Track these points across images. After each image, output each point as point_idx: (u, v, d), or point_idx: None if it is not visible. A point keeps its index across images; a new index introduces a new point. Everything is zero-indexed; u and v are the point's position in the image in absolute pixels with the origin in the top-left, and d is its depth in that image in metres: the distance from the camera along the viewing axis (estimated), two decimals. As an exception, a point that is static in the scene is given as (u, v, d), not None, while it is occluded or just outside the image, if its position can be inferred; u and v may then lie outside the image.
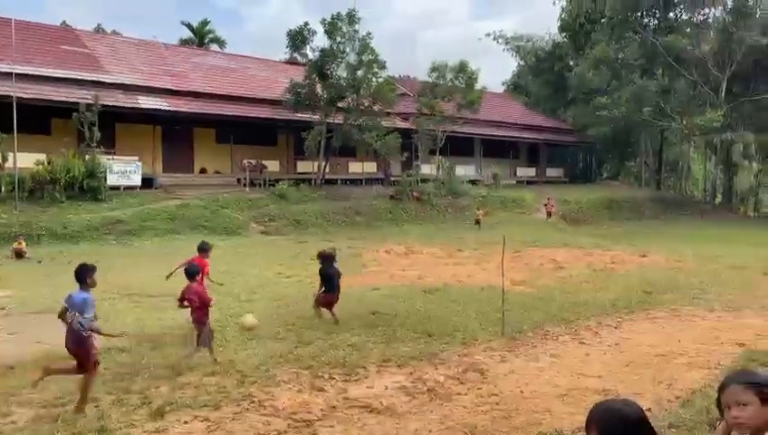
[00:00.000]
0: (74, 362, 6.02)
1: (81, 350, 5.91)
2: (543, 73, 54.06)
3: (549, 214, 27.35)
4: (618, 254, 19.57)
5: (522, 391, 6.67)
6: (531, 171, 46.75)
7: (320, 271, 10.05)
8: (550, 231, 27.98)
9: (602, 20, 46.42)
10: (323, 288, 9.89)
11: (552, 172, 48.49)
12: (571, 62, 50.38)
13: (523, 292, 12.73)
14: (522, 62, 58.72)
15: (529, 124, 46.02)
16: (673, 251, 20.25)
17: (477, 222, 28.16)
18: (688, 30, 42.70)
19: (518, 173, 45.32)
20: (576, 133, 46.65)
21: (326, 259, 10.08)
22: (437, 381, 6.97)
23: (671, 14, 45.31)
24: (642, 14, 44.99)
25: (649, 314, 10.85)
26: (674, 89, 43.28)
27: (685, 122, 41.23)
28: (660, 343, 8.71)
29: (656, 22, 45.68)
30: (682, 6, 44.38)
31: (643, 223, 34.56)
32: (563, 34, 52.04)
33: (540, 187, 41.72)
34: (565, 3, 50.52)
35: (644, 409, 2.31)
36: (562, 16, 50.65)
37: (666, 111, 41.64)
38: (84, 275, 5.99)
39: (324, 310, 9.87)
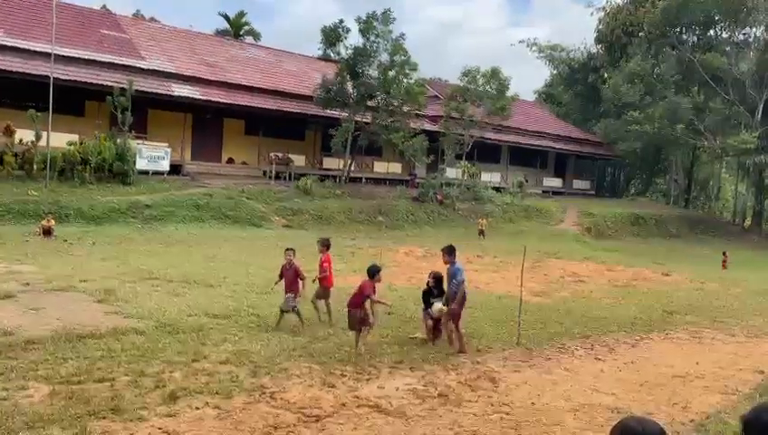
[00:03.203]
0: None
1: None
2: (576, 84, 53.58)
3: (724, 267, 23.78)
4: (640, 271, 19.33)
5: (533, 403, 6.61)
6: (557, 182, 46.36)
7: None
8: (572, 244, 27.72)
9: (640, 33, 45.81)
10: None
11: (578, 184, 48.05)
12: (606, 75, 49.84)
13: (540, 303, 12.63)
14: (555, 72, 58.28)
15: (558, 134, 45.63)
16: (697, 272, 19.92)
17: (481, 232, 27.25)
18: (727, 48, 42.00)
19: (544, 183, 44.96)
20: (606, 146, 46.13)
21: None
22: (449, 386, 6.95)
23: (711, 32, 44.58)
24: (681, 29, 44.32)
25: (669, 334, 10.69)
26: (709, 107, 42.57)
27: (718, 142, 40.53)
28: (678, 365, 8.57)
29: (694, 38, 45.00)
30: (722, 24, 43.63)
31: (669, 241, 34.07)
32: (599, 46, 51.49)
33: (565, 198, 41.37)
34: (603, 14, 50.03)
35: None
36: (599, 28, 50.11)
37: (699, 130, 40.96)
38: None
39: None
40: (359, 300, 8.09)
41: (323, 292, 9.59)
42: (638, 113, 39.90)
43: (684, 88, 43.25)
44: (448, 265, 8.75)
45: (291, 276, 9.13)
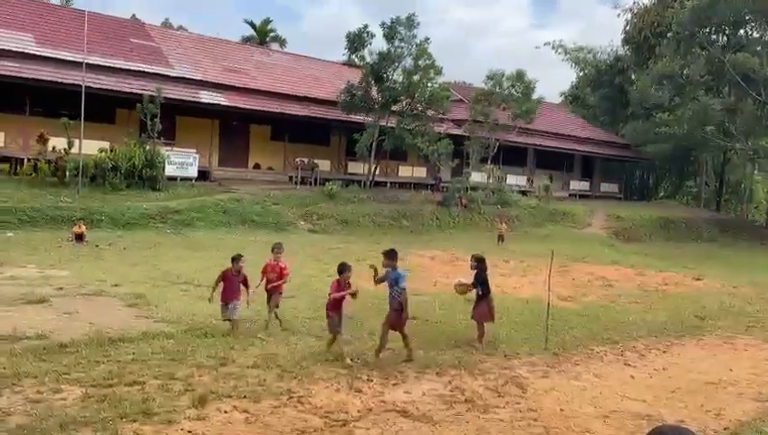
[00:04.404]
0: None
1: None
2: (603, 86, 52.93)
3: None
4: (671, 275, 18.99)
5: (562, 409, 6.54)
6: (584, 185, 45.85)
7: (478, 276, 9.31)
8: (600, 247, 27.36)
9: (668, 34, 45.10)
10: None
11: (606, 187, 47.45)
12: (633, 76, 49.17)
13: (568, 308, 12.49)
14: (581, 74, 57.69)
15: (585, 137, 45.15)
16: (730, 276, 19.50)
17: (500, 238, 25.09)
18: (759, 48, 41.08)
19: (571, 186, 44.50)
20: (634, 149, 45.50)
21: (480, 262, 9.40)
22: (476, 391, 6.91)
23: (741, 32, 43.67)
24: (710, 30, 43.48)
25: (701, 340, 10.49)
26: (740, 109, 41.65)
27: (750, 144, 39.67)
28: (710, 371, 8.42)
29: (724, 39, 44.11)
30: (753, 24, 42.71)
31: (700, 245, 33.41)
32: (626, 47, 50.84)
33: (593, 201, 40.88)
34: (630, 15, 49.41)
35: None
36: (626, 29, 49.49)
37: (730, 132, 40.13)
38: None
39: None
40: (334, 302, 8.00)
41: (277, 298, 9.19)
42: (666, 115, 39.26)
43: (714, 89, 42.43)
44: (388, 270, 8.07)
45: (236, 284, 8.72)
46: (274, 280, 9.16)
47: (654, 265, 21.79)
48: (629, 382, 7.72)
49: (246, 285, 8.89)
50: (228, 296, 8.68)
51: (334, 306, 7.96)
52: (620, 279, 17.53)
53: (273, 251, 9.48)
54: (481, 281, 9.26)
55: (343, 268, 8.03)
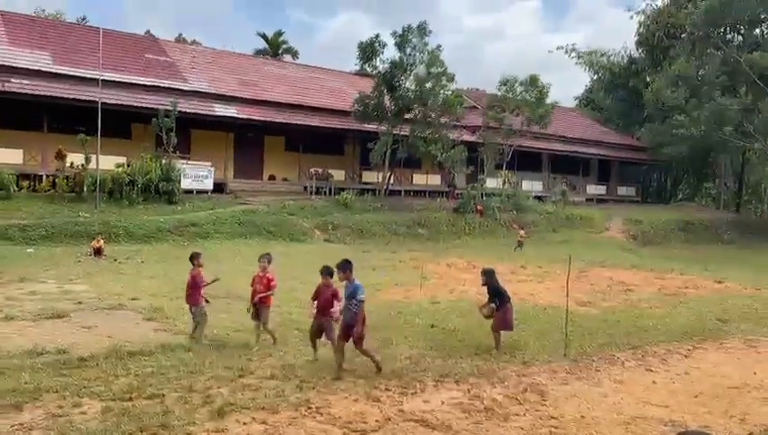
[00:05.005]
0: None
1: None
2: (618, 89, 52.60)
3: None
4: (691, 278, 18.75)
5: (583, 416, 6.46)
6: (601, 189, 45.52)
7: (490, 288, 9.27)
8: (618, 252, 27.11)
9: (682, 35, 44.76)
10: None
11: (623, 191, 47.07)
12: (648, 78, 48.82)
13: (587, 313, 12.37)
14: (595, 77, 57.39)
15: (600, 140, 44.87)
16: (751, 278, 19.20)
17: (519, 244, 25.04)
18: (775, 47, 40.61)
19: (587, 190, 44.19)
20: (650, 152, 45.09)
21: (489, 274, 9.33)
22: (495, 399, 6.85)
23: (756, 31, 43.23)
24: (725, 29, 43.08)
25: (723, 343, 10.32)
26: (758, 108, 41.15)
27: (769, 143, 39.16)
28: (734, 375, 8.27)
29: (740, 38, 43.68)
30: (769, 22, 42.30)
31: (720, 247, 32.99)
32: (640, 49, 50.52)
33: (610, 205, 40.56)
34: (643, 17, 49.13)
35: None
36: (640, 31, 49.21)
37: (748, 132, 39.64)
38: None
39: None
40: (326, 305, 7.86)
41: (266, 311, 8.87)
42: (683, 117, 38.89)
43: (730, 89, 41.97)
44: (345, 283, 7.58)
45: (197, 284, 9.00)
46: (261, 292, 8.80)
47: (674, 268, 21.53)
48: (651, 388, 7.61)
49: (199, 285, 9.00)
50: (194, 299, 8.93)
51: (322, 313, 7.89)
52: (640, 283, 17.33)
53: (259, 261, 9.04)
54: (495, 292, 9.17)
55: (324, 271, 7.97)
